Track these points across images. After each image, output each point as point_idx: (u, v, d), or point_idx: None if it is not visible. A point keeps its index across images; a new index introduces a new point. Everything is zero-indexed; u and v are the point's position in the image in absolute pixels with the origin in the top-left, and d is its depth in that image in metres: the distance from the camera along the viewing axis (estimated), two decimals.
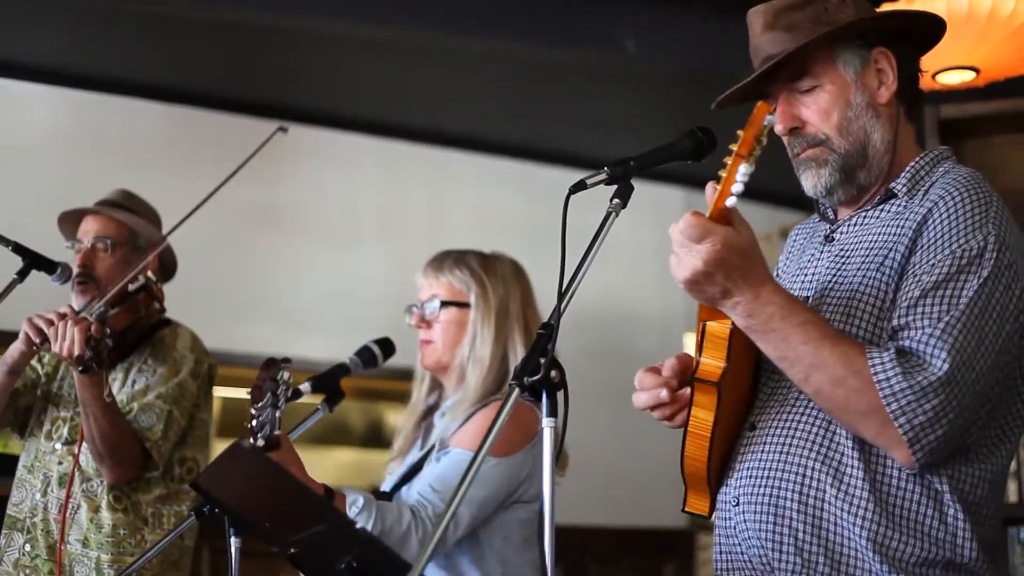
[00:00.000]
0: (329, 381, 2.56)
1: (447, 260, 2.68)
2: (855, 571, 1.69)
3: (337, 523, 1.72)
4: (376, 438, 6.25)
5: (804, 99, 1.84)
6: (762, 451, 1.78)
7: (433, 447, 2.58)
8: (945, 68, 3.41)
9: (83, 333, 2.58)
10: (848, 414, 1.66)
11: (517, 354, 2.57)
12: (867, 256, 1.80)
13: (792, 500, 1.73)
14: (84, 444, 2.76)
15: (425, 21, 4.84)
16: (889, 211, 1.83)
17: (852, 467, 1.71)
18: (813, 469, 1.73)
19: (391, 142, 5.82)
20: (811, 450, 1.74)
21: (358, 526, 1.77)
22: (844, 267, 1.83)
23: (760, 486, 1.76)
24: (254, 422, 2.20)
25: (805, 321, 1.66)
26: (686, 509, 1.87)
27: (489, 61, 5.26)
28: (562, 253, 1.65)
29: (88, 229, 2.95)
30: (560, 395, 1.61)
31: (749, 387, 1.85)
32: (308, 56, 5.20)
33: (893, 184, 1.84)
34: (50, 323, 2.65)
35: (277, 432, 2.21)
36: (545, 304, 2.62)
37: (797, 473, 1.74)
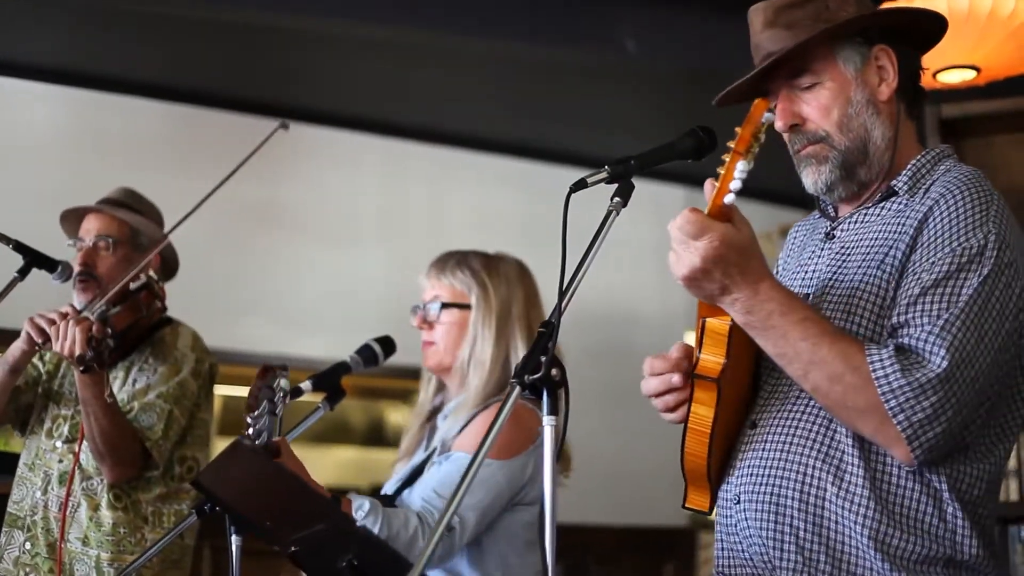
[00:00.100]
0: (330, 379, 2.55)
1: (450, 261, 2.67)
2: (857, 569, 1.69)
3: (338, 521, 1.72)
4: (377, 436, 6.26)
5: (804, 96, 1.84)
6: (763, 449, 1.78)
7: (435, 450, 2.58)
8: (946, 67, 3.41)
9: (84, 333, 2.58)
10: (847, 411, 1.66)
11: (519, 356, 2.55)
12: (868, 253, 1.80)
13: (793, 498, 1.73)
14: (84, 442, 2.76)
15: (425, 21, 4.84)
16: (890, 209, 1.83)
17: (852, 465, 1.71)
18: (814, 467, 1.73)
19: (391, 141, 5.81)
20: (812, 448, 1.74)
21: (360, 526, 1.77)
22: (845, 264, 1.83)
23: (761, 484, 1.76)
24: (250, 430, 2.19)
25: (804, 318, 1.66)
26: (686, 505, 1.87)
27: (489, 61, 5.26)
28: (563, 252, 1.65)
29: (90, 227, 2.95)
30: (561, 393, 1.61)
31: (749, 384, 1.85)
32: (308, 56, 5.20)
33: (894, 182, 1.84)
34: (52, 323, 2.64)
35: (276, 439, 2.20)
36: (546, 303, 2.62)
37: (798, 471, 1.74)
